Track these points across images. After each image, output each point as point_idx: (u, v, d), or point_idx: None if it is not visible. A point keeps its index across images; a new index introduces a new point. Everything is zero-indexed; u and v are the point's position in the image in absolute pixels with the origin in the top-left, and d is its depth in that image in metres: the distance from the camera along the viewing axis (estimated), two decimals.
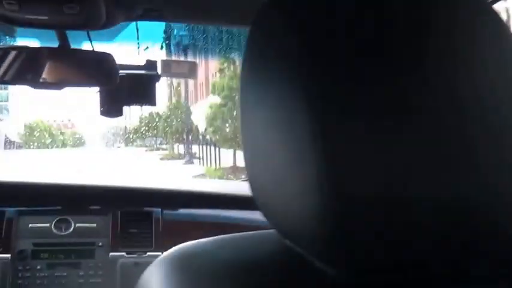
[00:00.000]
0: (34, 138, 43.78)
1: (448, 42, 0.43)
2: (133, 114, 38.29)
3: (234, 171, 13.99)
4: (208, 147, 17.75)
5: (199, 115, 23.63)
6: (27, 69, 1.35)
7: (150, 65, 1.61)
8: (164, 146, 29.69)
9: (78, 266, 1.84)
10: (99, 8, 1.16)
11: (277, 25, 0.47)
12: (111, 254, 1.87)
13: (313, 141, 0.42)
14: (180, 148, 24.10)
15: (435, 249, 0.44)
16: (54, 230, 1.86)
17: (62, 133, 51.58)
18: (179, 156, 22.35)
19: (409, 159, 0.41)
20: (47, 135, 45.94)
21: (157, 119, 24.52)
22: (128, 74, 1.56)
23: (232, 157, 15.22)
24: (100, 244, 1.87)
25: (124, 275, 1.85)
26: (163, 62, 1.71)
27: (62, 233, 1.87)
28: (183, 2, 1.26)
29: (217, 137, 15.95)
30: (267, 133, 0.48)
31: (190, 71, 1.79)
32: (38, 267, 1.82)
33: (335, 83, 0.42)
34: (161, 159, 22.64)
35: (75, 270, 1.84)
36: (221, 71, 16.61)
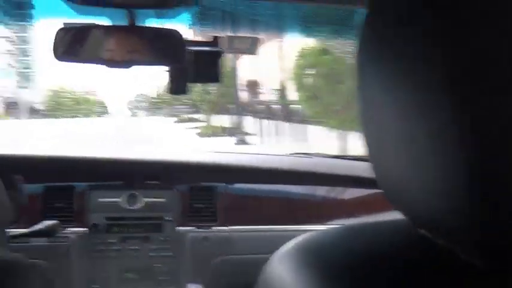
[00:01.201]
0: (58, 107, 43.05)
1: None
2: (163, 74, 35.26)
3: None
4: (276, 122, 12.49)
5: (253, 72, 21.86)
6: (98, 48, 1.38)
7: (214, 41, 1.61)
8: (196, 116, 24.85)
9: (148, 239, 1.90)
10: None
11: None
12: (178, 228, 1.92)
13: (460, 123, 0.40)
14: (220, 120, 19.00)
15: None
16: (124, 205, 1.92)
17: (86, 101, 49.51)
18: (223, 132, 17.28)
19: None
20: (71, 104, 44.92)
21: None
22: (193, 51, 1.57)
23: (338, 140, 9.26)
24: (169, 218, 1.92)
25: (193, 249, 1.91)
26: (227, 38, 1.72)
27: (132, 208, 1.92)
28: None
29: (316, 107, 9.59)
30: (398, 116, 0.46)
31: (252, 46, 1.79)
32: (111, 240, 1.89)
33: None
34: (199, 134, 17.87)
35: (146, 244, 1.90)
36: None
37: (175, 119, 27.78)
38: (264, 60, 20.49)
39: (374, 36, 0.49)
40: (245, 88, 19.31)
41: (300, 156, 2.44)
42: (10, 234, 1.61)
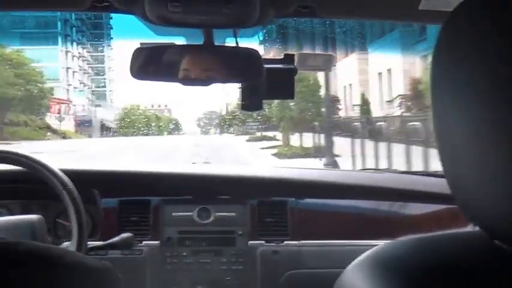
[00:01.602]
0: (130, 124, 42.15)
1: None
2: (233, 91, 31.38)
3: None
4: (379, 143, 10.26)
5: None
6: (174, 66, 1.42)
7: (288, 58, 1.63)
8: (270, 134, 22.05)
9: (220, 253, 1.93)
10: (255, 7, 1.19)
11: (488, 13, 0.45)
12: (250, 242, 1.94)
13: None
14: (298, 139, 16.24)
15: None
16: (197, 219, 1.96)
17: (158, 118, 48.75)
18: (305, 153, 14.53)
19: None
20: (143, 121, 43.98)
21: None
22: (266, 68, 1.58)
23: None
24: (240, 232, 1.94)
25: (264, 263, 1.92)
26: (300, 55, 1.73)
27: (204, 222, 1.96)
28: None
29: None
30: (472, 131, 0.47)
31: (326, 63, 1.80)
32: (184, 253, 1.92)
33: None
34: (276, 155, 15.19)
35: (217, 257, 1.92)
36: None
37: (247, 137, 24.89)
38: (348, 75, 20.12)
39: (447, 51, 0.50)
40: (327, 104, 17.94)
41: (371, 172, 2.42)
42: (89, 246, 1.66)
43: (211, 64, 1.44)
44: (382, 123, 12.58)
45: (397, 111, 15.93)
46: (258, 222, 1.97)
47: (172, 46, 1.46)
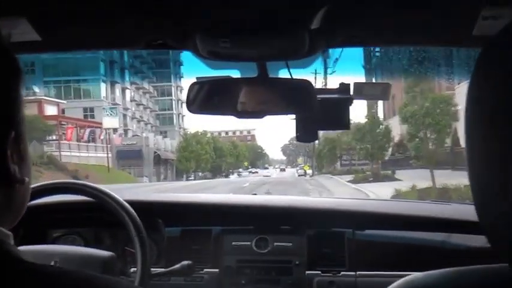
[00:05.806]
0: (192, 157, 34.65)
1: None
2: None
3: None
4: None
5: None
6: (230, 99, 1.44)
7: (343, 88, 1.62)
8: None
9: (277, 282, 1.93)
10: (303, 38, 1.20)
11: None
12: (307, 272, 1.93)
13: None
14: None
15: None
16: (255, 248, 1.97)
17: (235, 147, 42.21)
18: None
19: None
20: (212, 152, 36.51)
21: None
22: (321, 99, 1.58)
23: None
24: (297, 262, 1.94)
25: None
26: (356, 84, 1.72)
27: (262, 251, 1.97)
28: (385, 27, 1.25)
29: None
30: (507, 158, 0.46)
31: (383, 92, 1.78)
32: (243, 281, 1.95)
33: None
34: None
35: (274, 286, 1.93)
36: None
37: (350, 177, 20.93)
38: None
39: (485, 75, 0.51)
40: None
41: (437, 203, 2.34)
42: (152, 272, 1.71)
43: (266, 97, 1.46)
44: None
45: None
46: (315, 253, 1.96)
47: (227, 80, 1.49)
